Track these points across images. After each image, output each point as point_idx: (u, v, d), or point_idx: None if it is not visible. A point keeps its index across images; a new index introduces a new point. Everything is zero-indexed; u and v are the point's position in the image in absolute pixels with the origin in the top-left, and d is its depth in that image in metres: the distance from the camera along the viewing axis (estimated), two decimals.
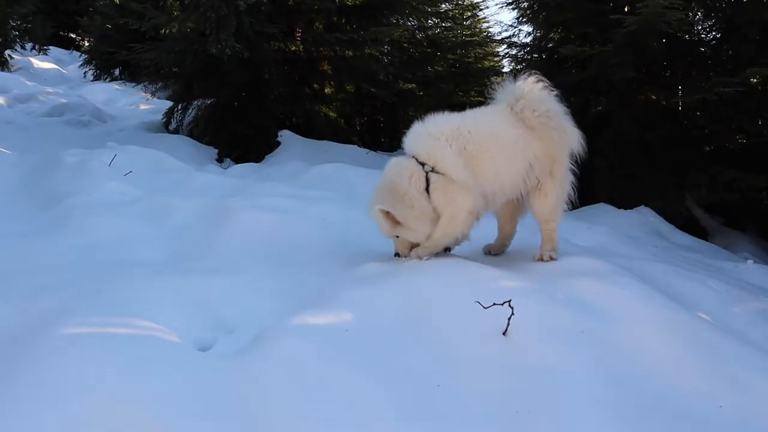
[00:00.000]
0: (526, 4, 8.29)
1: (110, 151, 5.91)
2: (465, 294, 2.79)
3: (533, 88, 3.57)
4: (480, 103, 11.01)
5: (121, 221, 4.13)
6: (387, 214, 3.29)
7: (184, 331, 2.54)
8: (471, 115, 3.64)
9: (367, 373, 2.28)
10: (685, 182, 6.90)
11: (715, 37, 7.39)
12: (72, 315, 2.44)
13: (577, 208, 6.70)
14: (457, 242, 3.63)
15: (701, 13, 7.24)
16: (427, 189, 3.35)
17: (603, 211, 6.69)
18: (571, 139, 3.63)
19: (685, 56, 7.20)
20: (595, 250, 4.19)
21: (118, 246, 3.74)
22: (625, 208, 6.74)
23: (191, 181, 5.63)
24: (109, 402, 1.91)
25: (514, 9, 8.43)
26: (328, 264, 3.48)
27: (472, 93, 12.37)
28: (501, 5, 8.26)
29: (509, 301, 2.50)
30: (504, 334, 2.55)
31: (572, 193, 3.82)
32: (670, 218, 6.75)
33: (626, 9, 6.51)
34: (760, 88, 6.62)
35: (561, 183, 3.65)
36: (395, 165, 3.48)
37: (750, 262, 5.20)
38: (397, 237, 3.44)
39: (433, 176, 3.34)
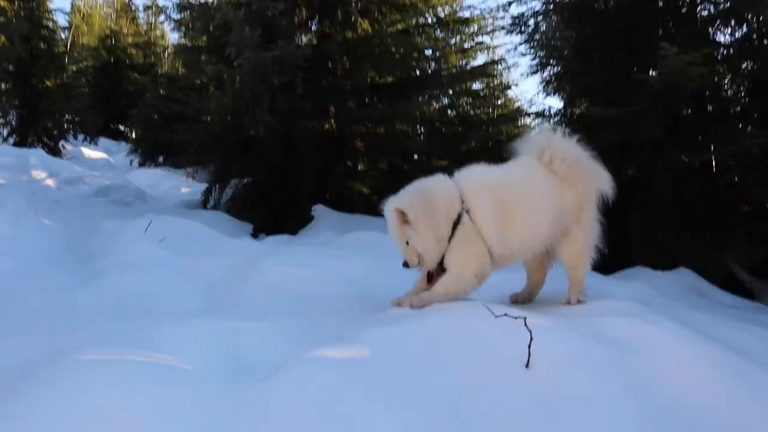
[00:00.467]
0: (552, 71, 8.46)
1: (146, 221, 6.11)
2: (486, 330, 2.73)
3: (556, 137, 3.65)
4: None
5: (152, 277, 4.22)
6: (401, 214, 3.25)
7: (203, 365, 2.53)
8: (507, 169, 3.67)
9: (383, 401, 2.21)
10: (724, 240, 6.71)
11: (741, 95, 7.40)
12: (93, 346, 2.47)
13: (612, 273, 6.62)
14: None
15: (723, 69, 7.27)
16: (454, 226, 3.29)
17: (639, 273, 6.51)
18: (602, 179, 3.67)
19: (714, 113, 7.20)
20: (627, 298, 4.07)
21: (148, 298, 3.82)
22: (663, 270, 6.57)
23: (224, 246, 5.75)
24: (111, 410, 1.91)
25: (539, 75, 8.56)
26: (350, 311, 3.47)
27: None
28: (527, 74, 8.44)
29: (525, 318, 2.44)
30: (526, 366, 2.47)
31: (599, 240, 3.78)
32: (711, 279, 6.53)
33: (651, 72, 6.59)
34: None
35: (588, 229, 3.65)
36: (442, 183, 3.43)
37: None
38: (407, 244, 3.32)
39: (465, 217, 3.31)
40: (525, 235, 3.43)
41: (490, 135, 13.28)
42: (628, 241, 7.29)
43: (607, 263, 7.18)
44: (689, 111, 7.50)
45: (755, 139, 5.85)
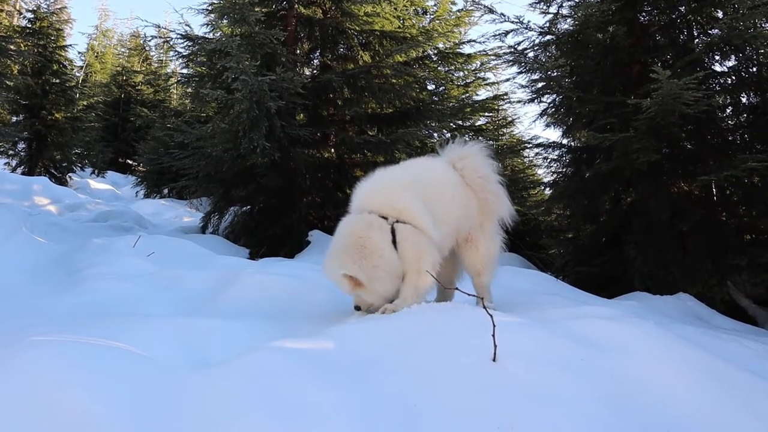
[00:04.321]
0: (550, 100, 8.50)
1: (137, 238, 6.08)
2: (453, 327, 2.65)
3: (476, 153, 3.76)
4: (518, 212, 11.11)
5: (131, 286, 4.16)
6: (353, 279, 3.13)
7: (163, 355, 2.45)
8: (413, 164, 3.75)
9: (337, 389, 2.11)
10: (725, 268, 6.59)
11: (740, 120, 7.39)
12: (56, 335, 2.41)
13: (611, 298, 6.49)
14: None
15: (722, 98, 7.28)
16: (393, 242, 3.21)
17: (637, 296, 6.39)
18: (503, 207, 3.79)
19: (713, 143, 7.18)
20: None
21: (125, 304, 3.75)
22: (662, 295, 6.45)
23: (214, 262, 5.70)
24: (53, 382, 1.84)
25: (538, 105, 8.60)
26: (324, 315, 3.39)
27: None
28: (524, 102, 8.48)
29: (482, 299, 2.35)
30: (493, 359, 2.37)
31: (503, 249, 3.88)
32: (711, 305, 6.39)
33: (649, 99, 6.58)
34: None
35: (491, 237, 3.73)
36: (357, 221, 3.29)
37: None
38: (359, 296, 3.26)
39: (399, 227, 3.23)
40: (444, 220, 3.42)
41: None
42: (627, 267, 7.20)
43: (607, 289, 7.13)
44: (689, 141, 7.50)
45: (755, 162, 5.78)
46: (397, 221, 3.24)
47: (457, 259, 3.71)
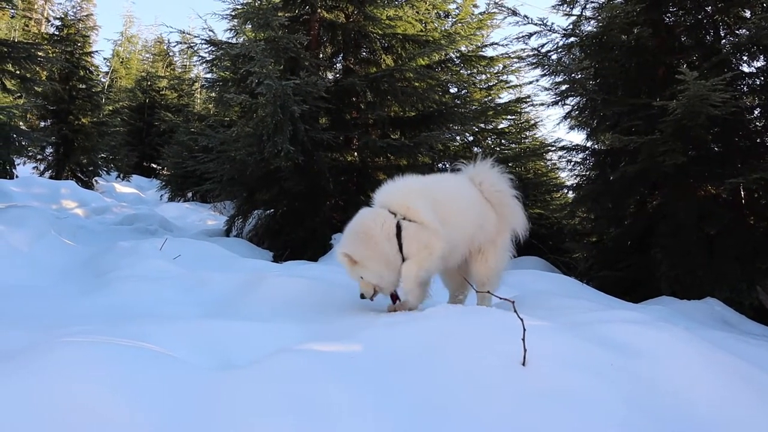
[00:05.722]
0: (574, 103, 8.43)
1: (163, 241, 6.14)
2: (482, 330, 2.63)
3: (492, 170, 4.06)
4: (541, 216, 10.95)
5: (158, 288, 4.22)
6: (348, 257, 3.47)
7: (188, 355, 2.48)
8: (435, 177, 4.13)
9: (365, 392, 2.11)
10: (753, 271, 6.47)
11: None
12: (82, 335, 2.44)
13: (638, 302, 6.41)
14: (420, 299, 3.72)
15: (751, 100, 7.15)
16: (398, 236, 3.51)
17: (664, 301, 6.31)
18: (517, 219, 4.04)
19: (740, 141, 7.06)
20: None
21: (152, 305, 3.80)
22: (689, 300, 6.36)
23: (239, 264, 5.74)
24: (79, 380, 1.87)
25: (561, 107, 8.54)
26: (350, 317, 3.41)
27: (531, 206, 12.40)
28: (548, 105, 8.42)
29: (513, 302, 2.33)
30: (523, 364, 2.35)
31: (508, 264, 4.12)
32: (740, 310, 6.28)
33: (675, 100, 6.49)
34: None
35: (501, 252, 3.95)
36: (368, 213, 3.68)
37: None
38: (362, 278, 3.54)
39: (404, 223, 3.53)
40: (456, 229, 3.65)
41: (515, 171, 13.27)
42: (653, 272, 7.11)
43: (632, 293, 7.04)
44: (716, 143, 7.38)
45: None
46: (404, 218, 3.54)
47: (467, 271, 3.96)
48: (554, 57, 8.72)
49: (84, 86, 18.54)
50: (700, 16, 7.70)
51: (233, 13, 10.52)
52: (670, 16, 7.96)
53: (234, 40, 11.46)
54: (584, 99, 8.33)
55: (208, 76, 11.95)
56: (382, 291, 3.61)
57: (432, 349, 2.47)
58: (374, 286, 3.55)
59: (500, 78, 13.66)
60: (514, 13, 8.49)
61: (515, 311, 2.43)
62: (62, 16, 20.46)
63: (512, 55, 12.17)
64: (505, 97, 14.59)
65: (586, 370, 2.34)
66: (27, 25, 31.41)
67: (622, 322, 2.92)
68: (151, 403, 1.90)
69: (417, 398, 2.14)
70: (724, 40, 7.66)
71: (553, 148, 9.91)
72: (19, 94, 12.94)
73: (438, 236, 3.50)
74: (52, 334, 2.62)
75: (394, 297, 3.71)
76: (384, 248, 3.49)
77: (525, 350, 2.33)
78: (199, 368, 2.20)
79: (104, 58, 31.80)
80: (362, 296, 3.60)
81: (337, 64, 11.19)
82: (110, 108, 21.37)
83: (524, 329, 2.31)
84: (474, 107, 11.83)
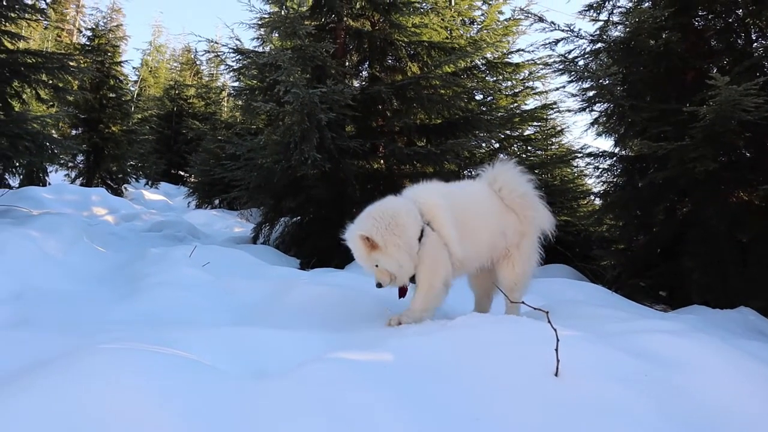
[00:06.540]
0: (602, 109, 8.36)
1: (192, 248, 6.23)
2: (513, 340, 2.62)
3: (509, 171, 3.94)
4: (568, 223, 10.82)
5: (189, 295, 4.27)
6: (367, 239, 3.32)
7: (217, 362, 2.50)
8: (459, 185, 4.03)
9: (397, 401, 2.11)
10: None
11: None
12: (114, 342, 2.49)
13: (667, 311, 6.32)
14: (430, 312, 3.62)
15: None
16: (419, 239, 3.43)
17: (696, 310, 6.20)
18: (543, 219, 3.98)
19: None
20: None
21: (183, 312, 3.86)
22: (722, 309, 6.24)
23: (267, 272, 5.79)
24: (111, 386, 1.92)
25: (589, 114, 8.47)
26: (377, 325, 3.43)
27: (557, 213, 12.30)
28: (575, 111, 8.36)
29: (547, 313, 2.32)
30: (555, 374, 2.34)
31: (536, 268, 4.06)
32: None
33: (705, 106, 6.40)
34: None
35: (528, 256, 3.91)
36: (399, 200, 3.60)
37: None
38: (377, 266, 3.42)
39: (427, 230, 3.47)
40: (476, 240, 3.64)
41: (542, 178, 13.19)
42: (684, 280, 7.00)
43: (662, 302, 6.94)
44: (748, 149, 7.25)
45: None
46: (428, 224, 3.48)
47: (495, 276, 3.91)
48: (581, 63, 8.67)
49: (114, 95, 18.91)
50: (730, 20, 7.59)
51: (260, 23, 10.65)
52: (700, 20, 7.86)
53: (261, 49, 11.60)
54: (612, 105, 8.25)
55: (235, 84, 12.10)
56: (396, 282, 3.49)
57: (464, 358, 2.46)
58: (390, 274, 3.42)
59: (526, 84, 13.60)
60: (541, 19, 8.45)
61: (549, 321, 2.41)
62: (93, 26, 20.95)
63: (538, 62, 12.11)
64: (531, 103, 14.48)
65: (621, 381, 2.31)
66: (59, 36, 32.15)
67: (656, 332, 2.88)
68: (188, 410, 1.92)
69: (450, 408, 2.14)
70: (755, 44, 7.54)
71: (580, 155, 9.80)
72: (51, 104, 13.22)
73: (447, 261, 3.46)
74: (87, 341, 2.68)
75: (403, 290, 3.62)
76: (411, 238, 3.38)
77: (558, 361, 2.31)
78: (236, 376, 2.23)
79: (133, 68, 32.41)
80: (378, 285, 3.48)
81: (363, 72, 11.25)
82: (139, 116, 21.76)
83: (557, 339, 2.29)
84: (500, 114, 11.80)
